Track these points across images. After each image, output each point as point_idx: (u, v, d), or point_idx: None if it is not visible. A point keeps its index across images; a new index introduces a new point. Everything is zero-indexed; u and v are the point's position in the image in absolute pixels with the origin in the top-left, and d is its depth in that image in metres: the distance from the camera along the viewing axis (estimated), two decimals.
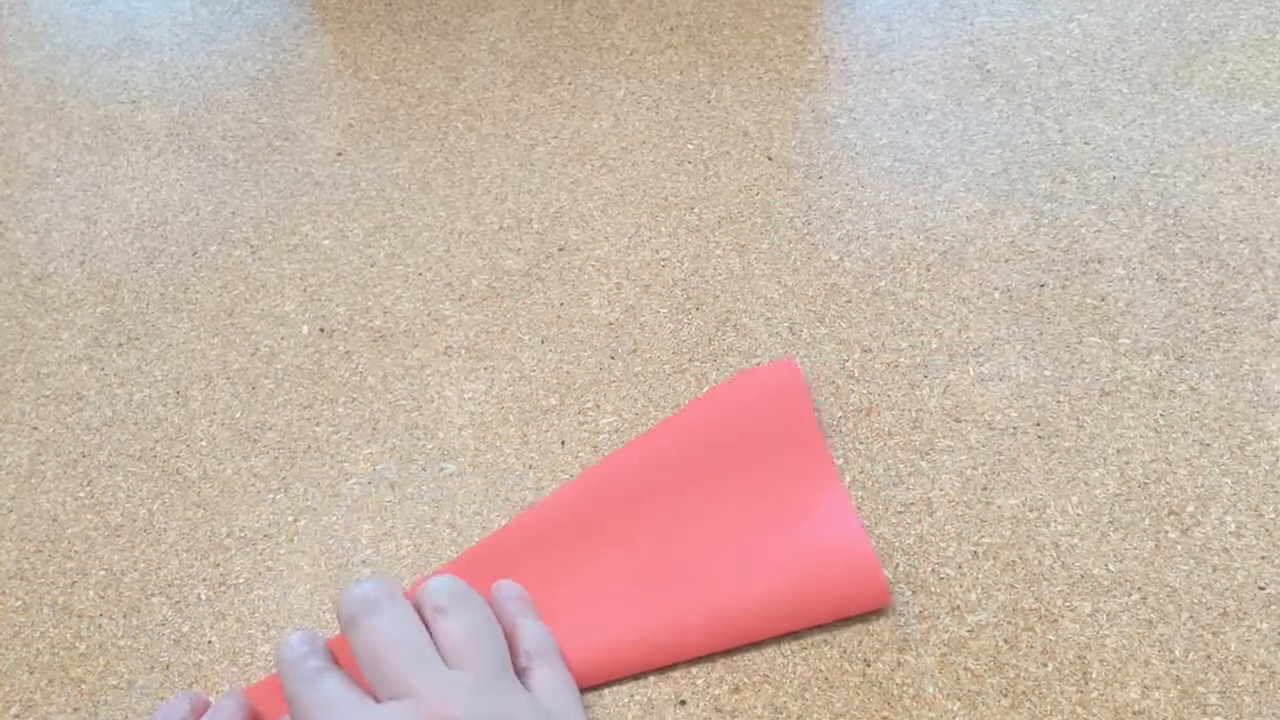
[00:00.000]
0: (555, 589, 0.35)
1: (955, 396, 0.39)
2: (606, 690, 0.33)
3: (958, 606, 0.34)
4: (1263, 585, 0.33)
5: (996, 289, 0.42)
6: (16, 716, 0.34)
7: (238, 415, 0.41)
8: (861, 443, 0.38)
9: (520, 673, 0.31)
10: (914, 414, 0.39)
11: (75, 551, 0.38)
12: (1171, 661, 0.32)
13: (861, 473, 0.37)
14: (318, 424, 0.41)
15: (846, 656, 0.33)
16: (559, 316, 0.43)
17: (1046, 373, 0.39)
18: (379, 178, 0.50)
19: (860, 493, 0.37)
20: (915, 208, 0.45)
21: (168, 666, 0.34)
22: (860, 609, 0.33)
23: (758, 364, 0.40)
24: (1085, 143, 0.47)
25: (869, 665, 0.33)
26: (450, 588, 0.32)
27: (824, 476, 0.36)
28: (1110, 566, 0.34)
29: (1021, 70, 0.50)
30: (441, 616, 0.31)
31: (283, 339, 0.44)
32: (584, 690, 0.33)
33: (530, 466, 0.39)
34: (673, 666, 0.33)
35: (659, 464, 0.37)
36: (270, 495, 0.39)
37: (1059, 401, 0.38)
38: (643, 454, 0.38)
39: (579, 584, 0.35)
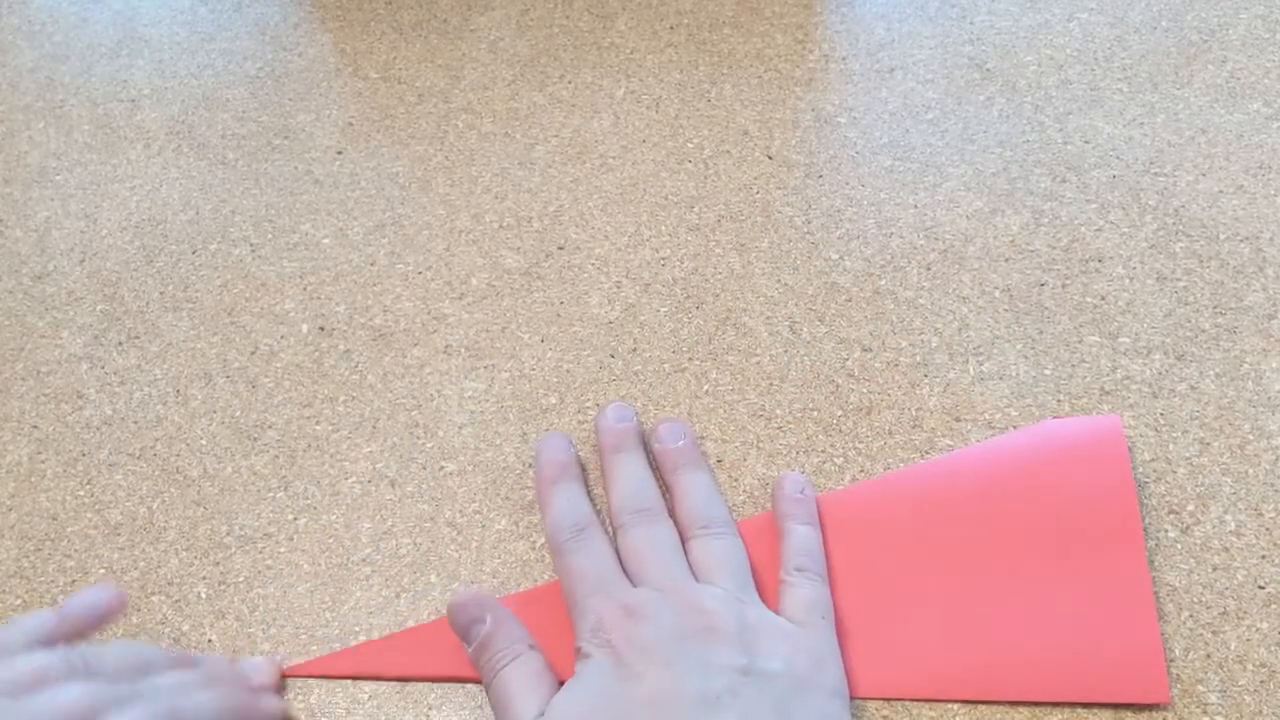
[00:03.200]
0: (857, 582, 0.34)
1: (955, 395, 0.39)
2: None
3: None
4: (1263, 585, 0.33)
5: (996, 288, 0.42)
6: None
7: (237, 414, 0.41)
8: (861, 442, 0.38)
9: (780, 585, 0.33)
10: (914, 413, 0.39)
11: (75, 550, 0.38)
12: (1171, 661, 0.32)
13: (861, 472, 0.37)
14: (317, 423, 0.41)
15: None
16: (559, 315, 0.43)
17: (1046, 372, 0.39)
18: (379, 176, 0.50)
19: None
20: (915, 206, 0.45)
21: None
22: (1136, 699, 0.31)
23: (1015, 427, 0.38)
24: (1085, 142, 0.47)
25: None
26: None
27: (1130, 549, 0.34)
28: None
29: (1021, 70, 0.50)
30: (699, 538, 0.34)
31: (282, 338, 0.44)
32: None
33: (530, 465, 0.39)
34: None
35: (967, 493, 0.36)
36: (270, 494, 0.39)
37: (1059, 401, 0.38)
38: (949, 477, 0.36)
39: (879, 588, 0.34)
